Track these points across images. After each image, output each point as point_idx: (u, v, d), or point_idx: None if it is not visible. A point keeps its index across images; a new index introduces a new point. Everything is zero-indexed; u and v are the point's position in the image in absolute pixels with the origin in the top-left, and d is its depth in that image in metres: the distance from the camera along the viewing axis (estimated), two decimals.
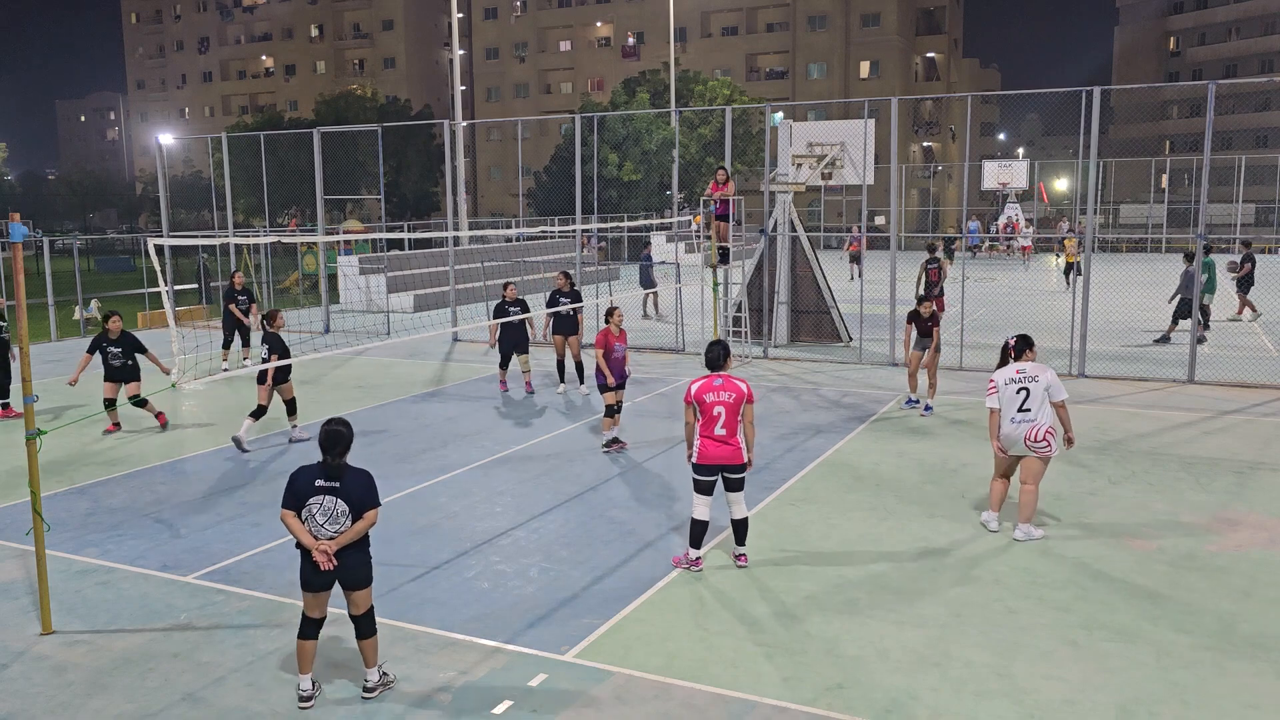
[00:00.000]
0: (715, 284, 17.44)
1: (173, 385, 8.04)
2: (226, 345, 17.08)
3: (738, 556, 7.86)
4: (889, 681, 5.98)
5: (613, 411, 11.53)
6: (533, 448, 11.72)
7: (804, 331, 19.55)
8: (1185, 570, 7.68)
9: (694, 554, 7.76)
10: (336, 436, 5.71)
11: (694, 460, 7.60)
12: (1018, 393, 8.20)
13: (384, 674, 5.95)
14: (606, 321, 11.64)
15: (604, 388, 11.55)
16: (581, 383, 15.05)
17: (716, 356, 7.72)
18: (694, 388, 7.57)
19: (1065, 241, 31.99)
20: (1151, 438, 11.86)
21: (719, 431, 7.49)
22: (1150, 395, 14.40)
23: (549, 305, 15.14)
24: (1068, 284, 27.63)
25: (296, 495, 5.71)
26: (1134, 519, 8.90)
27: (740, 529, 7.83)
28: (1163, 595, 7.22)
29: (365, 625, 5.82)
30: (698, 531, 7.72)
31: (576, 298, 15.10)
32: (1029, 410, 8.16)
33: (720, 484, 7.70)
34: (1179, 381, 15.22)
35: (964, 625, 6.74)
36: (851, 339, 19.18)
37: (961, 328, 17.61)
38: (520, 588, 7.47)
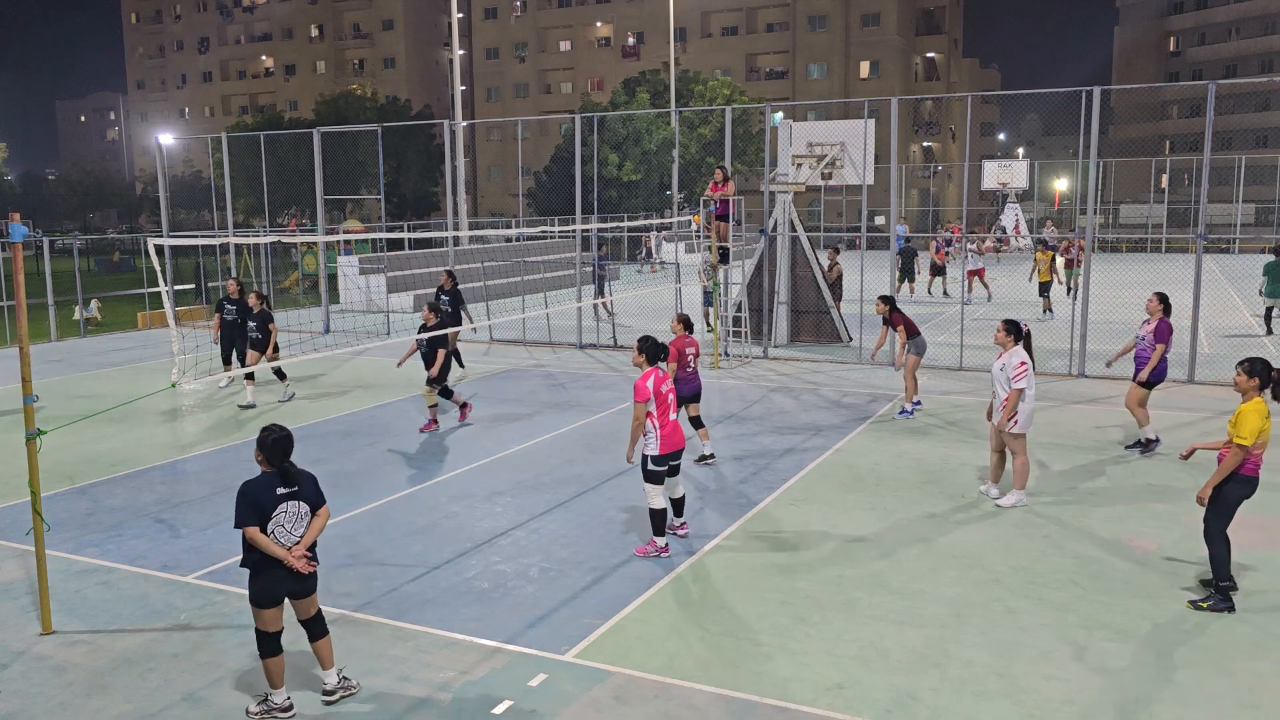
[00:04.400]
0: (715, 283, 17.45)
1: (172, 385, 8.04)
2: (226, 361, 16.53)
3: (680, 526, 8.42)
4: (889, 681, 5.98)
5: (699, 424, 10.91)
6: (533, 447, 11.72)
7: (804, 331, 19.55)
8: (1185, 570, 7.68)
9: (660, 541, 8.08)
10: (288, 442, 5.71)
11: (658, 452, 7.87)
12: (1000, 370, 9.25)
13: (344, 678, 5.93)
14: (689, 330, 10.81)
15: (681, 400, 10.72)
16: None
17: (663, 349, 8.21)
18: (649, 383, 7.86)
19: (1062, 249, 26.78)
20: None
21: (672, 417, 8.02)
22: (1150, 395, 14.35)
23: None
24: (1047, 307, 23.64)
25: (260, 509, 5.49)
26: (1134, 519, 8.90)
27: (680, 504, 8.40)
28: (1162, 595, 7.22)
29: (319, 626, 5.84)
30: (660, 520, 8.02)
31: (458, 297, 14.71)
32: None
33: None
34: (1179, 381, 15.20)
35: (964, 625, 6.74)
36: (852, 339, 19.20)
37: (961, 327, 17.60)
38: (520, 588, 7.47)
